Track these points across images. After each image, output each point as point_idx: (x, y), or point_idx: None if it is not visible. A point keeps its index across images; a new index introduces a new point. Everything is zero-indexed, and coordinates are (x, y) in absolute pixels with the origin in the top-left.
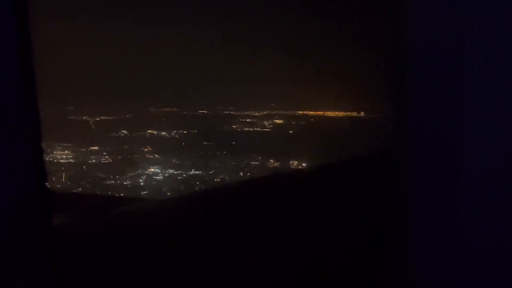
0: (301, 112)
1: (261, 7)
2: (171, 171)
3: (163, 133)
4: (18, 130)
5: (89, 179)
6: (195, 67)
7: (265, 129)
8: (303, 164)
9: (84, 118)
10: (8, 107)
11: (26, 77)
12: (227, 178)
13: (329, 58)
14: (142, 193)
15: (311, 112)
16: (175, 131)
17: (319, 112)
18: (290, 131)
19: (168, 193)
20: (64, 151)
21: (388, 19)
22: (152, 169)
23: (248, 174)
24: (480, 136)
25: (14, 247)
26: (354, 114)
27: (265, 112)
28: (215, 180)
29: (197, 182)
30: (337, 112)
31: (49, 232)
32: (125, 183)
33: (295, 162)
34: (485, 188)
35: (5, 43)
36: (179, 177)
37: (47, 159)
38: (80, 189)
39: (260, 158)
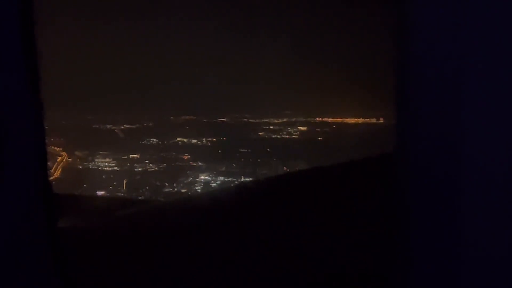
0: (320, 119)
1: (275, 5)
2: (221, 178)
3: (194, 141)
4: (24, 133)
5: (147, 187)
6: (205, 74)
7: (293, 136)
8: None
9: (108, 126)
10: (13, 110)
11: (31, 80)
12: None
13: (344, 62)
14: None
15: (330, 119)
16: (204, 139)
17: (338, 119)
18: (319, 138)
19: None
20: (105, 158)
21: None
22: (202, 177)
23: None
24: (482, 137)
25: (19, 249)
26: (374, 120)
27: (284, 120)
28: None
29: None
30: (356, 119)
31: (54, 233)
32: (183, 190)
33: None
34: (487, 189)
35: (10, 47)
36: (232, 184)
37: (90, 167)
38: (142, 197)
39: (306, 164)
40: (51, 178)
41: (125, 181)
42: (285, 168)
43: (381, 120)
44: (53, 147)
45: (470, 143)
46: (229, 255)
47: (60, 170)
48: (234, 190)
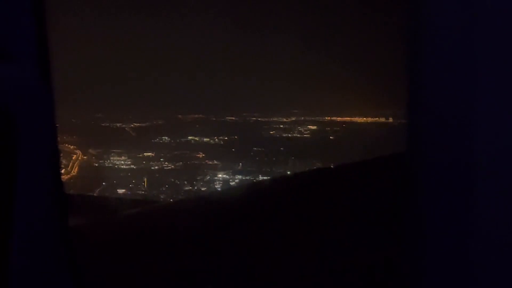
0: (328, 118)
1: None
2: (238, 176)
3: (206, 139)
4: (35, 131)
5: (167, 185)
6: (211, 72)
7: (305, 135)
8: None
9: (118, 125)
10: (25, 108)
11: (43, 77)
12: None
13: (350, 61)
14: None
15: (338, 118)
16: (215, 137)
17: (347, 118)
18: (331, 137)
19: None
20: (120, 157)
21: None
22: (220, 175)
23: None
24: (495, 136)
25: (30, 248)
26: (382, 120)
27: (293, 118)
28: None
29: None
30: (364, 118)
31: (65, 233)
32: (203, 188)
33: None
34: (501, 188)
35: (23, 42)
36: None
37: (106, 165)
38: (163, 196)
39: (322, 163)
40: (69, 176)
41: (145, 180)
42: (306, 168)
43: (390, 120)
44: (66, 145)
45: (483, 142)
46: (235, 258)
47: (76, 168)
48: (251, 189)
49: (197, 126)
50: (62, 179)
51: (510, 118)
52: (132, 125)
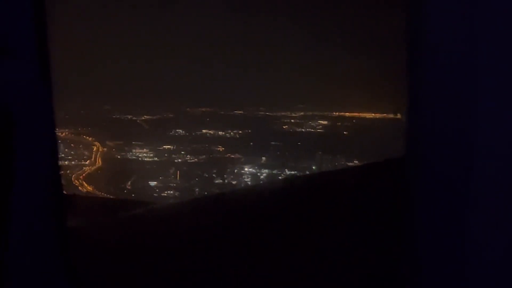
0: (337, 113)
1: None
2: (265, 170)
3: (220, 133)
4: (34, 129)
5: (196, 178)
6: (214, 65)
7: (318, 130)
8: None
9: (129, 117)
10: (24, 107)
11: (42, 74)
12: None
13: (355, 57)
14: None
15: (347, 114)
16: (229, 131)
17: (355, 114)
18: (345, 132)
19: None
20: (143, 149)
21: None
22: (247, 169)
23: None
24: (495, 136)
25: (28, 247)
26: (391, 116)
27: (301, 113)
28: None
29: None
30: (373, 114)
31: (63, 233)
32: (233, 182)
33: None
34: (498, 191)
35: (23, 41)
36: (279, 177)
37: (129, 157)
38: (198, 189)
39: (344, 158)
40: (95, 167)
41: (178, 172)
42: (336, 163)
43: (399, 116)
44: (84, 136)
45: (482, 145)
46: (234, 261)
47: (99, 159)
48: (252, 189)
49: (208, 119)
50: (60, 178)
51: (509, 120)
52: (143, 118)
